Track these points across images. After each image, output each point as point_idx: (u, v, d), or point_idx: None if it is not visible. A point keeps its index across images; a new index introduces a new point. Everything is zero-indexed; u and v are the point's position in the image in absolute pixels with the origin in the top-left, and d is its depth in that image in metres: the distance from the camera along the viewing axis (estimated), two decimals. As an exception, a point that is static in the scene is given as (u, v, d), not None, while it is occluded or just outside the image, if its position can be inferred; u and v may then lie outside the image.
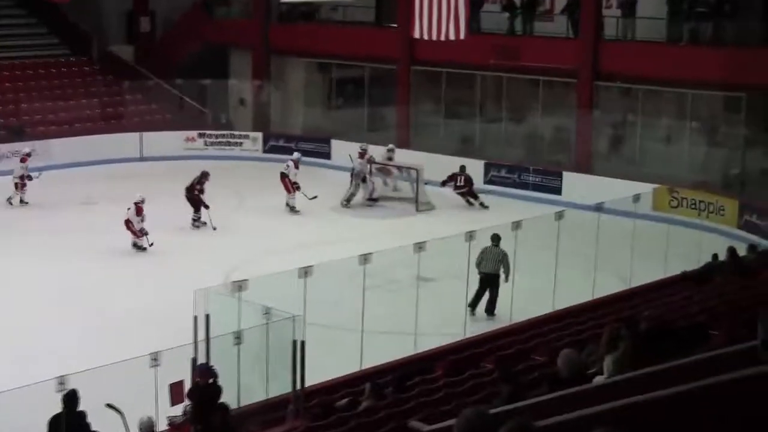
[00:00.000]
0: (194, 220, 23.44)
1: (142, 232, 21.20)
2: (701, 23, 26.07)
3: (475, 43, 27.63)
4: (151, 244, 21.19)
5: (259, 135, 32.35)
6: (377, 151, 27.05)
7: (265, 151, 31.97)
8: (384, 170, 26.87)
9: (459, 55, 28.20)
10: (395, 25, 30.71)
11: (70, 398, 10.61)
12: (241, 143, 32.19)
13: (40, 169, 25.29)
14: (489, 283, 17.11)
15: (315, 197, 24.76)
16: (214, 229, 22.85)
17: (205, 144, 31.96)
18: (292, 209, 25.00)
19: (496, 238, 17.05)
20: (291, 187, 25.01)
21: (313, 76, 34.67)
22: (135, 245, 21.32)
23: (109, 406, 11.06)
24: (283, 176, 25.17)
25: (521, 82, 29.46)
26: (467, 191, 26.05)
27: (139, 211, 21.33)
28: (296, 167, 25.28)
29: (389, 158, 27.18)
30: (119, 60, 35.28)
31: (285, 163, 25.74)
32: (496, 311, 17.11)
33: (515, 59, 27.91)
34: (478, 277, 17.05)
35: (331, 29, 32.66)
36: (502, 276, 17.05)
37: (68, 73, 34.09)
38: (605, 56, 26.70)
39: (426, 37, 26.98)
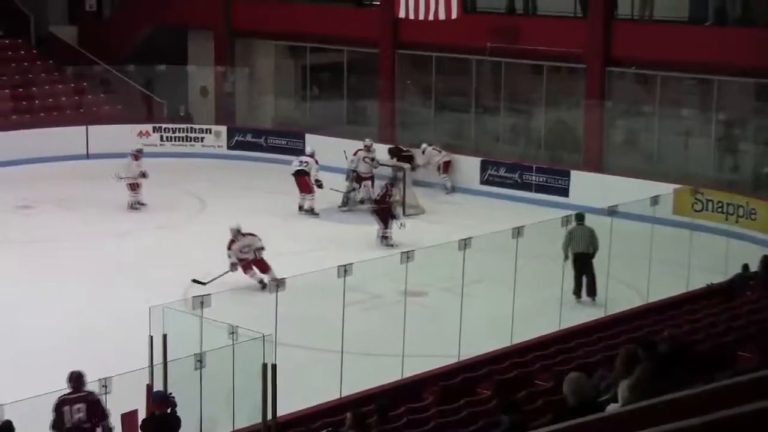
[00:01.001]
0: (384, 237, 22.67)
1: (235, 267, 19.57)
2: (729, 0, 26.22)
3: (469, 24, 27.68)
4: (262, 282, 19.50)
5: (223, 129, 32.34)
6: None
7: (230, 147, 31.97)
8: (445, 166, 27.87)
9: (450, 37, 28.25)
10: (377, 3, 30.77)
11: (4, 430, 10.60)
12: (202, 138, 32.17)
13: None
14: (582, 263, 18.68)
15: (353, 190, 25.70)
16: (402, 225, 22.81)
17: (161, 139, 31.90)
18: (311, 212, 25.09)
19: (580, 217, 18.83)
20: (312, 186, 25.10)
21: (285, 62, 34.68)
22: (261, 283, 19.46)
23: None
24: (303, 174, 25.13)
25: (522, 68, 29.52)
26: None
27: (231, 243, 19.75)
28: (317, 163, 25.50)
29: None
30: (61, 43, 35.22)
31: (297, 159, 25.69)
32: (597, 293, 18.66)
33: (515, 42, 27.97)
34: (569, 261, 18.60)
35: (304, 8, 32.63)
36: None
37: (1, 58, 33.96)
38: (618, 38, 26.79)
39: (412, 16, 27.02)
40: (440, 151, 28.06)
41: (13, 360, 16.00)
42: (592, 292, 18.81)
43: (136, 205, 25.23)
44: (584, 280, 18.81)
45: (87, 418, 11.74)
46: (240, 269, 19.54)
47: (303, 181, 25.21)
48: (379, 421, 11.26)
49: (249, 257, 19.58)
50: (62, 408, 11.74)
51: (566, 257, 18.62)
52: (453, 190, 27.83)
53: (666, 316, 15.49)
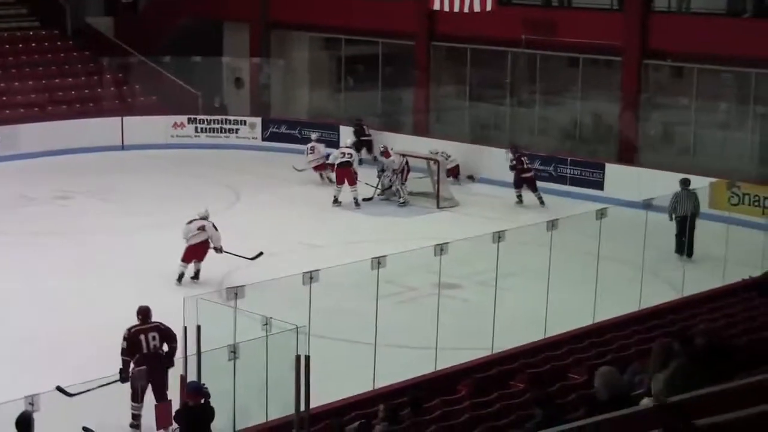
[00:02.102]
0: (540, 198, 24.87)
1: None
2: (767, -7, 26.06)
3: (504, 16, 27.62)
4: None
5: (258, 120, 32.42)
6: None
7: (264, 139, 32.05)
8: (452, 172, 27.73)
9: (486, 29, 28.18)
10: (413, -5, 30.73)
11: (23, 423, 10.55)
12: (237, 130, 32.26)
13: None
14: (685, 224, 20.48)
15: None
16: None
17: (196, 131, 32.04)
18: (356, 203, 25.18)
19: (686, 182, 21.10)
20: (356, 178, 25.34)
21: (320, 53, 34.72)
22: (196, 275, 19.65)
23: (86, 429, 11.13)
24: (348, 165, 25.30)
25: (558, 60, 29.44)
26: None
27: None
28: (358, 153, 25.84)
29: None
30: (97, 33, 35.39)
31: (338, 151, 25.83)
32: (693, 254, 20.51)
33: (551, 34, 27.88)
34: (674, 222, 20.68)
35: (340, 0, 32.65)
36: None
37: (38, 49, 34.18)
38: (655, 31, 26.64)
39: (448, 9, 27.02)
40: (447, 157, 27.35)
41: (49, 352, 16.08)
42: (689, 252, 20.48)
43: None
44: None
45: (160, 344, 13.53)
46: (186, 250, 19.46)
47: (348, 172, 25.23)
48: (412, 414, 11.26)
49: (198, 241, 19.38)
50: (138, 337, 13.51)
51: (671, 218, 20.62)
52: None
53: (702, 310, 15.41)
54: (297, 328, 11.62)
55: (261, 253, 19.67)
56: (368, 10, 31.60)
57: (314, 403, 11.85)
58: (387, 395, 12.43)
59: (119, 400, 13.03)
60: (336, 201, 25.24)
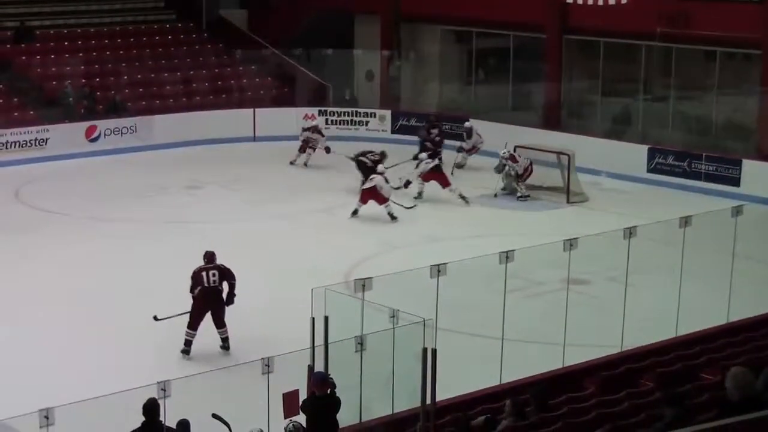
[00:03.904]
0: None
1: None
2: None
3: (639, 8, 27.28)
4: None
5: (388, 113, 32.58)
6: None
7: (394, 131, 32.20)
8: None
9: (620, 22, 27.87)
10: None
11: (149, 410, 10.78)
12: (366, 122, 32.48)
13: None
14: None
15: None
16: None
17: (327, 122, 32.32)
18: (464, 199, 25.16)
19: None
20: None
21: (450, 46, 34.70)
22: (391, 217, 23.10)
23: (216, 416, 11.32)
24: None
25: (694, 54, 28.94)
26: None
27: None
28: None
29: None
30: (231, 26, 35.98)
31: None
32: None
33: (687, 27, 27.43)
34: None
35: (472, -8, 32.63)
36: None
37: (174, 41, 34.90)
38: (796, 23, 26.06)
39: (581, 1, 26.76)
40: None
41: (177, 340, 16.38)
42: None
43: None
44: None
45: (219, 281, 15.70)
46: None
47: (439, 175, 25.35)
48: (536, 410, 11.19)
49: (367, 187, 23.14)
50: (200, 274, 15.65)
51: None
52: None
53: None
54: (424, 320, 11.65)
55: (416, 205, 23.96)
56: (500, 2, 31.46)
57: (440, 397, 11.87)
58: (514, 390, 12.39)
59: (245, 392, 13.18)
60: (465, 199, 25.01)
